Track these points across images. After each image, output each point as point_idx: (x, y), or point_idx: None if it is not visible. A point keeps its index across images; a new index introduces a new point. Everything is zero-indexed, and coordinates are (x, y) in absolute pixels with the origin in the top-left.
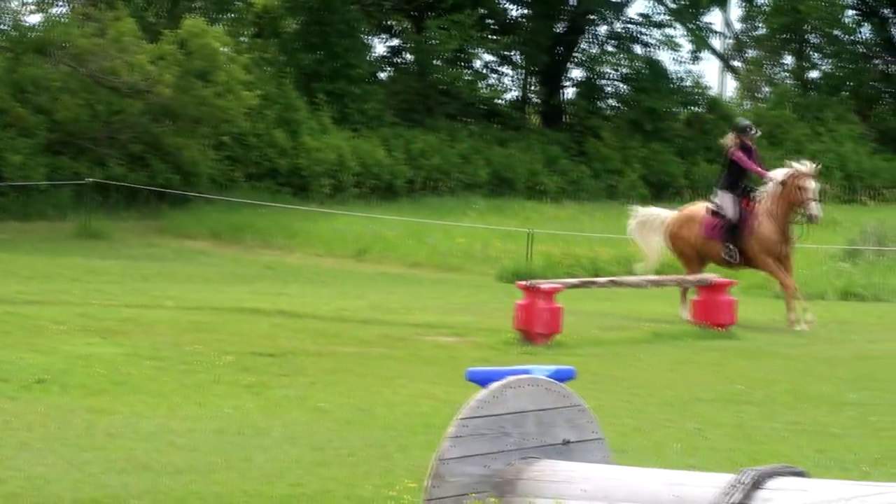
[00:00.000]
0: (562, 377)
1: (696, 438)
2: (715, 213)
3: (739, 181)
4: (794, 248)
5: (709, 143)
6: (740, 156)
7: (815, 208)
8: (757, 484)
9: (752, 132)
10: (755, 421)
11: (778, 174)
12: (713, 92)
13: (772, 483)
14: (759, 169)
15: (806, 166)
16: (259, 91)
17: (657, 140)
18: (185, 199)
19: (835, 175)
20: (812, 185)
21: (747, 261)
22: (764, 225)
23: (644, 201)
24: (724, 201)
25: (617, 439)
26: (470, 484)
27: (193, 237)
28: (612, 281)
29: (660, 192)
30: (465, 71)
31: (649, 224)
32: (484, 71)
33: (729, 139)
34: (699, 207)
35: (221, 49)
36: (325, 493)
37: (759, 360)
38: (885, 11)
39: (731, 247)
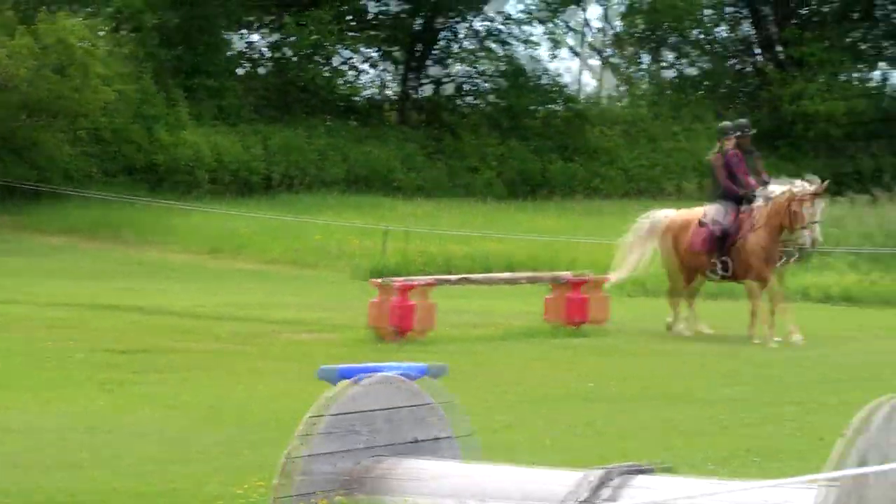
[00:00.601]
0: (416, 374)
1: (547, 436)
2: (704, 224)
3: (740, 192)
4: (783, 261)
5: (566, 141)
6: (719, 164)
7: (807, 237)
8: (603, 482)
9: (738, 134)
10: (608, 418)
11: (773, 190)
12: (573, 90)
13: (618, 481)
14: (727, 182)
15: (804, 186)
16: (116, 86)
17: (515, 138)
18: (40, 194)
19: (691, 173)
20: (808, 209)
21: (734, 276)
22: (752, 239)
23: (500, 199)
24: (715, 210)
25: (483, 436)
26: (319, 482)
27: (49, 233)
28: (465, 278)
29: (517, 190)
30: (323, 67)
31: (646, 228)
32: (343, 67)
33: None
34: (693, 214)
35: (79, 43)
36: (174, 490)
37: (612, 358)
38: (744, 11)
39: (721, 259)
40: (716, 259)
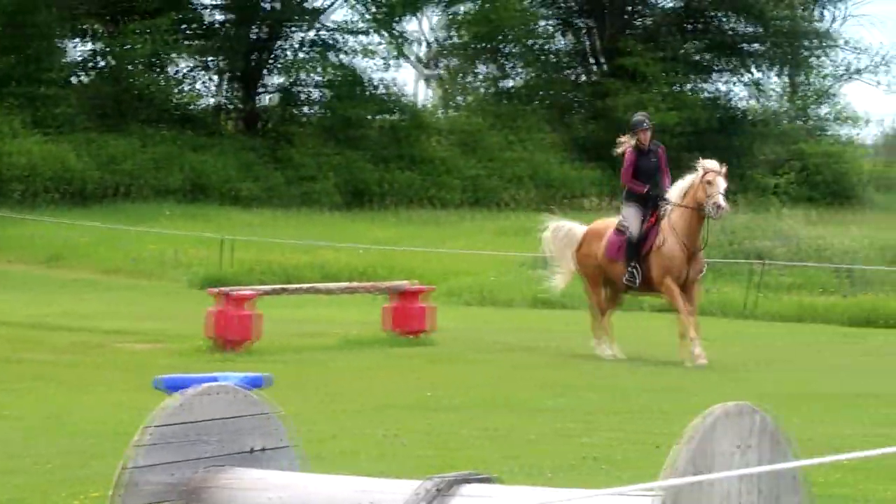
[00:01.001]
0: (252, 384)
1: (388, 445)
2: (620, 231)
3: (644, 190)
4: (701, 267)
5: (402, 151)
6: (627, 160)
7: (720, 199)
8: (442, 491)
9: (642, 125)
10: (448, 427)
11: (680, 184)
12: (410, 100)
13: (457, 489)
14: (630, 181)
15: (713, 164)
16: None
17: (352, 147)
18: None
19: (527, 183)
20: (720, 182)
21: (649, 285)
22: (667, 242)
23: (338, 209)
24: (627, 214)
25: (311, 446)
26: (156, 493)
27: None
28: (302, 288)
29: (354, 199)
30: (160, 76)
31: (561, 237)
32: (180, 76)
33: (623, 141)
34: (609, 222)
35: None
36: (18, 501)
37: (452, 367)
38: (579, 22)
39: (634, 267)
40: (634, 265)
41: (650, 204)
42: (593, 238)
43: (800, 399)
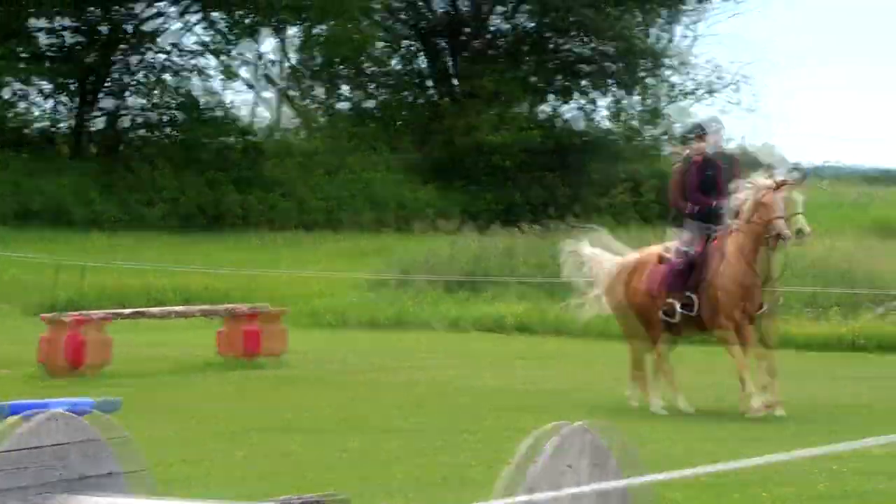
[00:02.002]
0: (83, 410)
1: (243, 468)
2: (664, 261)
3: (703, 208)
4: (772, 298)
5: (241, 173)
6: (676, 173)
7: (782, 225)
8: None
9: (704, 132)
10: (303, 449)
11: (738, 196)
12: (248, 122)
13: None
14: (679, 198)
15: (771, 178)
16: None
17: (190, 170)
18: None
19: (363, 205)
20: (779, 199)
21: (700, 318)
22: (731, 266)
23: (176, 232)
24: (683, 235)
25: (164, 470)
26: None
27: None
28: (139, 312)
29: (192, 222)
30: None
31: (602, 266)
32: (13, 99)
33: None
34: (653, 253)
35: None
36: None
37: (307, 389)
38: (416, 45)
39: (689, 296)
40: (673, 298)
41: (708, 223)
42: (630, 273)
43: (643, 416)
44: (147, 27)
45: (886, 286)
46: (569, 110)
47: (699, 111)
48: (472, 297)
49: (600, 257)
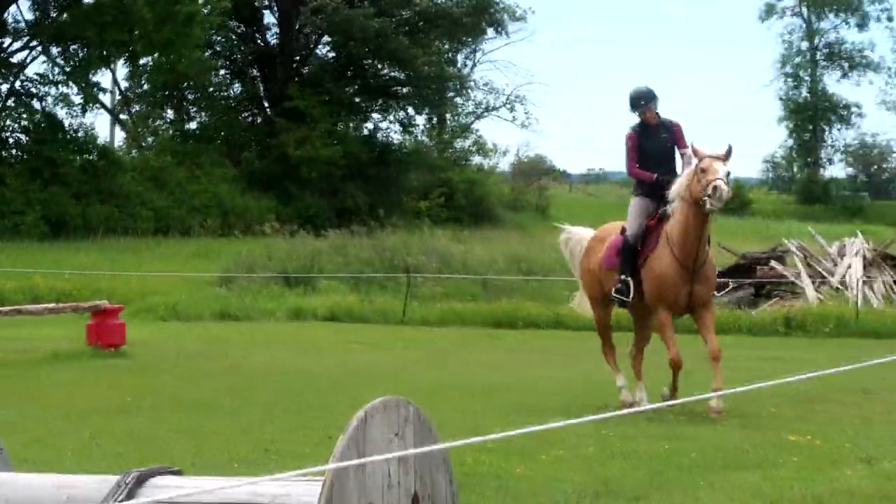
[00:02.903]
0: None
1: (90, 446)
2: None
3: (653, 178)
4: (709, 283)
5: (101, 186)
6: (628, 146)
7: (720, 182)
8: (139, 482)
9: (644, 104)
10: (143, 427)
11: (678, 180)
12: (104, 141)
13: (152, 481)
14: (635, 168)
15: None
16: None
17: (55, 184)
18: None
19: (212, 212)
20: (720, 167)
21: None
22: (659, 254)
23: (45, 240)
24: (631, 210)
25: (19, 450)
26: None
27: None
28: (15, 309)
29: (59, 229)
30: None
31: (571, 247)
32: None
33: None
34: (616, 225)
35: None
36: None
37: (145, 375)
38: (252, 70)
39: (625, 279)
40: (624, 276)
41: (662, 196)
42: (597, 244)
43: (451, 391)
44: (14, 59)
45: None
46: (388, 126)
47: (481, 127)
48: (309, 291)
49: (581, 233)
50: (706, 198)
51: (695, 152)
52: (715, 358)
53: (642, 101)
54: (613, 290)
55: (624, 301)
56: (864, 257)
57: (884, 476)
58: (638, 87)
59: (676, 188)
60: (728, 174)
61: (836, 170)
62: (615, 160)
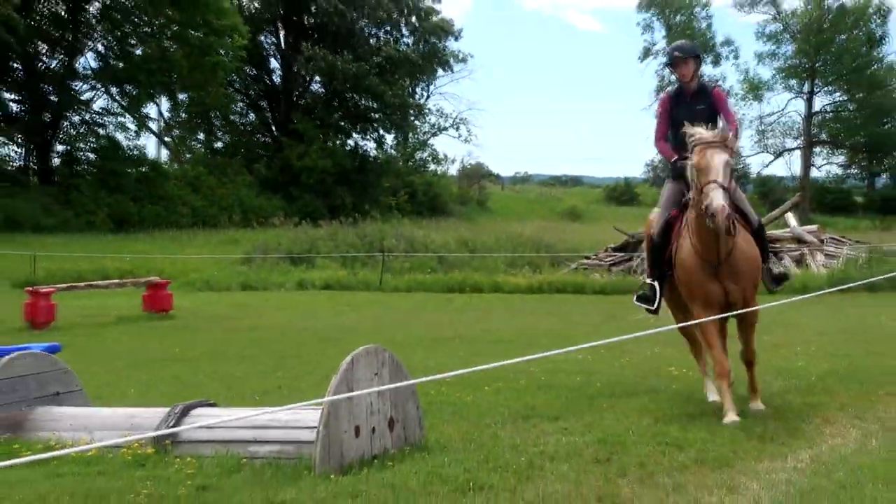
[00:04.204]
0: (51, 350)
1: (148, 386)
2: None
3: (674, 158)
4: (743, 279)
5: (152, 191)
6: (658, 114)
7: (713, 198)
8: (185, 412)
9: (678, 56)
10: (186, 372)
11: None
12: (153, 157)
13: (194, 412)
14: (661, 141)
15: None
16: None
17: (118, 191)
18: None
19: (236, 210)
20: (714, 160)
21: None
22: (681, 245)
23: (111, 233)
24: (660, 201)
25: (94, 390)
26: None
27: None
28: (89, 285)
29: (121, 225)
30: None
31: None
32: None
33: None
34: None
35: None
36: None
37: (187, 332)
38: (263, 103)
39: (651, 284)
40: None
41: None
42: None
43: (417, 341)
44: (83, 97)
45: (575, 249)
46: (365, 143)
47: (435, 143)
48: (309, 268)
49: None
50: (707, 217)
51: (687, 134)
52: (748, 362)
53: (676, 51)
54: (635, 297)
55: (650, 310)
56: None
57: (739, 397)
58: (682, 40)
59: (689, 173)
60: (727, 163)
61: None
62: (537, 165)
